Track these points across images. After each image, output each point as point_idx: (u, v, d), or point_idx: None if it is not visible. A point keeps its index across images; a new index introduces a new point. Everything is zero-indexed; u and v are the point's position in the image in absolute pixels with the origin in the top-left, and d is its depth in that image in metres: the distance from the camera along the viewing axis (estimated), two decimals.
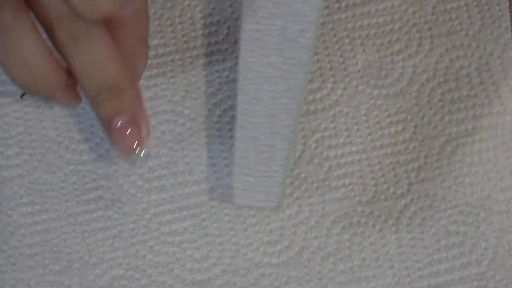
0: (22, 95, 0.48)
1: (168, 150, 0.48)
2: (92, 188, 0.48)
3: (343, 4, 0.50)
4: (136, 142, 0.40)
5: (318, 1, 0.39)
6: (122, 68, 0.39)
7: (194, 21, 0.49)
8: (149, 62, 0.49)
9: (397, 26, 0.49)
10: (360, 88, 0.49)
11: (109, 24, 0.39)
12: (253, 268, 0.47)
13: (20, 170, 0.48)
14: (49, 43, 0.39)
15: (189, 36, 0.49)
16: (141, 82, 0.48)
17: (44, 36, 0.39)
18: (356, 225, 0.47)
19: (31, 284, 0.47)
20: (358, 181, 0.48)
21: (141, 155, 0.41)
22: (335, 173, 0.48)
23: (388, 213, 0.47)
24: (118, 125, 0.39)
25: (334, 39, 0.49)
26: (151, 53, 0.49)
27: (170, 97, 0.48)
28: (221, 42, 0.49)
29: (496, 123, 0.48)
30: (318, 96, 0.48)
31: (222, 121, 0.48)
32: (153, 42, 0.49)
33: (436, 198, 0.47)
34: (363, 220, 0.47)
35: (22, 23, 0.38)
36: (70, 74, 0.40)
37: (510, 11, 0.49)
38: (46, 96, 0.40)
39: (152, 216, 0.47)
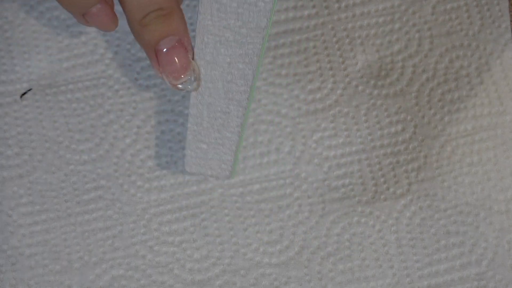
0: (22, 95, 0.48)
1: (168, 150, 0.48)
2: (92, 188, 0.48)
3: (343, 4, 0.50)
4: (184, 66, 0.39)
5: None
6: None
7: (194, 21, 0.49)
8: (149, 62, 0.49)
9: (397, 26, 0.49)
10: (360, 88, 0.49)
11: None
12: (253, 268, 0.47)
13: (20, 170, 0.48)
14: None
15: None
16: (140, 82, 0.48)
17: None
18: (356, 225, 0.47)
19: (31, 284, 0.47)
20: (358, 181, 0.48)
21: (190, 82, 0.40)
22: (335, 173, 0.48)
23: (388, 213, 0.47)
24: (166, 49, 0.39)
25: (334, 39, 0.49)
26: None
27: (170, 97, 0.48)
28: None
29: (496, 123, 0.48)
30: (318, 96, 0.48)
31: None
32: None
33: (436, 198, 0.47)
34: (363, 220, 0.47)
35: None
36: None
37: (510, 11, 0.49)
38: (82, 10, 0.40)
39: (152, 216, 0.47)
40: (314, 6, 0.49)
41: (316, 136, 0.48)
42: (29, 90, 0.48)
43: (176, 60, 0.39)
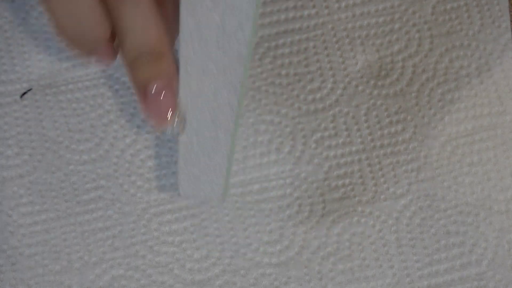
0: (22, 95, 0.48)
1: (168, 150, 0.48)
2: (92, 188, 0.48)
3: (343, 4, 0.50)
4: (170, 110, 0.40)
5: None
6: (163, 33, 0.39)
7: None
8: None
9: (397, 26, 0.49)
10: (360, 88, 0.49)
11: None
12: (253, 268, 0.47)
13: (20, 170, 0.48)
14: None
15: None
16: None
17: None
18: (356, 225, 0.47)
19: (31, 284, 0.47)
20: (358, 181, 0.48)
21: (175, 125, 0.40)
22: (335, 173, 0.48)
23: (388, 213, 0.47)
24: (153, 91, 0.39)
25: (334, 39, 0.49)
26: None
27: None
28: None
29: (495, 123, 0.48)
30: (318, 96, 0.48)
31: None
32: None
33: (435, 198, 0.47)
34: (363, 220, 0.47)
35: None
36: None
37: (510, 11, 0.49)
38: (89, 50, 0.40)
39: (152, 216, 0.47)
40: (314, 6, 0.49)
41: (316, 136, 0.48)
42: (29, 90, 0.48)
43: (162, 103, 0.39)
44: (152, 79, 0.39)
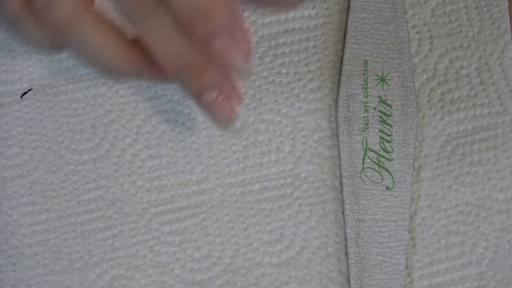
0: (23, 94, 0.48)
1: (169, 150, 0.48)
2: (92, 188, 0.48)
3: (343, 5, 0.50)
4: (230, 112, 0.39)
5: None
6: (195, 45, 0.37)
7: None
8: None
9: None
10: None
11: None
12: (254, 268, 0.47)
13: (21, 170, 0.48)
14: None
15: None
16: (141, 82, 0.48)
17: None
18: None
19: (32, 284, 0.47)
20: None
21: (236, 125, 0.44)
22: (335, 173, 0.48)
23: None
24: (207, 100, 0.38)
25: (335, 39, 0.49)
26: None
27: (170, 96, 0.48)
28: None
29: (495, 123, 0.48)
30: (318, 95, 0.48)
31: None
32: None
33: (436, 197, 0.47)
34: None
35: (84, 17, 0.37)
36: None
37: (510, 11, 0.50)
38: (134, 76, 0.39)
39: (152, 216, 0.47)
40: (314, 7, 0.49)
41: (316, 135, 0.48)
42: (30, 90, 0.48)
43: (220, 108, 0.39)
44: (201, 92, 0.38)
